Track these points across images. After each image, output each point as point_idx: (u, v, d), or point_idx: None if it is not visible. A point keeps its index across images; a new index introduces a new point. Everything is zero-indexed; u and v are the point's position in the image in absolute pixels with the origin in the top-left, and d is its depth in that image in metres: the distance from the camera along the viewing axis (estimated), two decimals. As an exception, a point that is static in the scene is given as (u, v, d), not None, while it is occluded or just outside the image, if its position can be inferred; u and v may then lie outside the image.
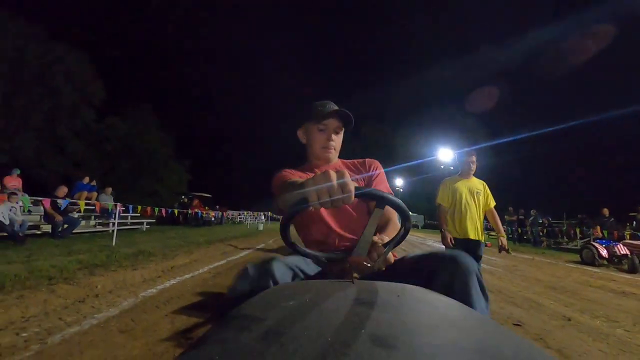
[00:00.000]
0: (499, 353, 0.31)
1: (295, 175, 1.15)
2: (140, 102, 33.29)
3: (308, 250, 0.78)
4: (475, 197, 3.05)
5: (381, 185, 1.20)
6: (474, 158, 3.10)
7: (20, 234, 5.67)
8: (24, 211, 6.47)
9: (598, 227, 11.22)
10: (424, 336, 0.32)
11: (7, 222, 5.59)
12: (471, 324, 0.38)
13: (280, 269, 0.76)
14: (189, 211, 10.86)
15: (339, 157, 1.29)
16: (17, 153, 25.00)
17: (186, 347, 0.36)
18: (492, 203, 3.15)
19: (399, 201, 0.68)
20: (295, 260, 0.88)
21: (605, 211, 11.03)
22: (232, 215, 19.39)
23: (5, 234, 5.61)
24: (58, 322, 2.25)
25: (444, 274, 0.75)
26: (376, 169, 1.25)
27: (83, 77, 28.01)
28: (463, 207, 3.02)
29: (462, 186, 3.09)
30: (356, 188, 0.60)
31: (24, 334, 2.01)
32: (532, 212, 13.13)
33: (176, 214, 9.14)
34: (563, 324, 2.81)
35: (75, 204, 6.78)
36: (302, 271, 0.86)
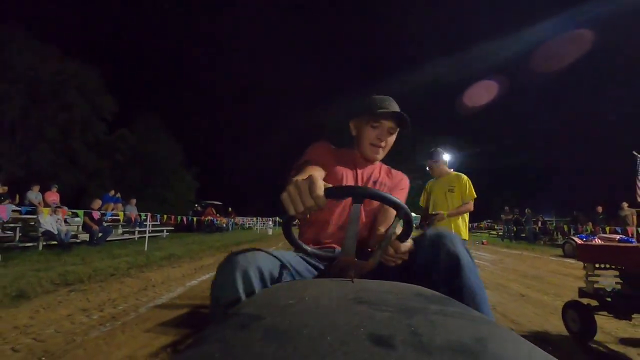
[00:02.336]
0: (499, 353, 0.31)
1: (325, 157, 1.16)
2: (148, 112, 34.40)
3: (307, 247, 0.79)
4: (448, 195, 3.15)
5: (398, 195, 1.17)
6: (435, 158, 3.31)
7: (66, 242, 6.58)
8: (66, 222, 7.39)
9: (590, 224, 11.93)
10: (423, 336, 0.32)
11: (55, 232, 6.50)
12: (471, 324, 0.38)
13: (280, 268, 0.75)
14: (207, 218, 11.80)
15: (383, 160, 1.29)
16: (33, 166, 26.08)
17: (185, 346, 0.39)
18: (471, 195, 3.10)
19: (374, 191, 0.67)
20: (296, 259, 0.88)
21: (599, 209, 11.74)
22: (242, 221, 20.35)
23: (55, 242, 6.53)
24: (137, 301, 3.09)
25: (430, 250, 0.79)
26: (401, 184, 1.27)
27: (94, 91, 29.13)
28: (433, 207, 3.22)
29: (436, 186, 3.30)
30: (327, 189, 0.62)
31: (120, 307, 2.86)
32: (527, 211, 13.85)
33: (195, 222, 10.11)
34: (517, 299, 3.60)
35: (103, 214, 7.69)
36: (302, 271, 0.86)
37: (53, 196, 8.32)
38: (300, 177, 0.65)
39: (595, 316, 2.33)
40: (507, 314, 3.01)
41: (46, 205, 7.48)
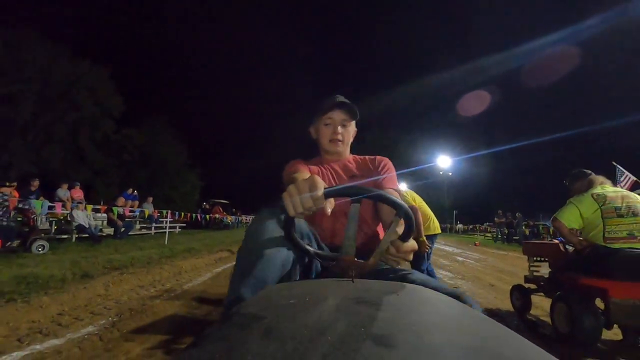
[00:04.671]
0: (498, 352, 0.31)
1: (304, 169, 1.19)
2: (154, 113, 35.14)
3: (309, 248, 0.80)
4: None
5: (390, 184, 1.19)
6: None
7: (97, 235, 7.37)
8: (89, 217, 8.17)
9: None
10: (424, 335, 0.33)
11: (87, 226, 7.29)
12: (471, 323, 0.38)
13: (280, 269, 0.75)
14: (217, 216, 12.66)
15: (352, 152, 1.33)
16: (44, 164, 26.88)
17: (186, 345, 0.39)
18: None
19: (374, 190, 0.67)
20: (296, 260, 0.88)
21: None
22: (247, 219, 21.18)
23: (86, 235, 7.32)
24: (177, 282, 3.87)
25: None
26: (385, 167, 1.25)
27: (103, 91, 29.90)
28: None
29: None
30: (326, 190, 0.62)
31: (167, 285, 3.64)
32: (517, 215, 14.59)
33: (207, 219, 10.96)
34: (486, 287, 4.36)
35: (132, 211, 8.49)
36: (302, 271, 0.87)
37: (78, 193, 9.10)
38: (302, 177, 0.65)
39: (536, 296, 3.09)
40: (473, 296, 3.77)
41: (73, 201, 8.27)
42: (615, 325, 2.35)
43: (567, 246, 2.86)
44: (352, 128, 1.26)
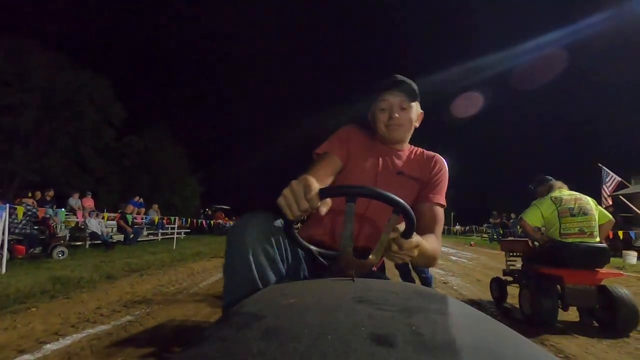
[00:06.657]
0: (499, 351, 0.31)
1: (349, 145, 1.12)
2: (154, 118, 35.36)
3: (310, 246, 0.82)
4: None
5: (436, 197, 1.06)
6: None
7: (109, 242, 7.77)
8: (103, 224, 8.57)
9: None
10: (424, 335, 0.33)
11: (100, 233, 7.70)
12: (471, 322, 0.39)
13: (280, 269, 0.77)
14: (220, 221, 13.12)
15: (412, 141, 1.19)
16: (47, 172, 27.18)
17: (185, 345, 0.40)
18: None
19: (367, 189, 0.69)
20: (296, 260, 0.89)
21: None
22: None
23: (99, 241, 7.72)
24: (192, 282, 4.28)
25: None
26: (440, 173, 1.11)
27: (105, 100, 30.26)
28: None
29: None
30: (321, 191, 0.64)
31: (184, 284, 4.05)
32: (512, 215, 15.02)
33: (212, 225, 11.41)
34: (473, 282, 4.78)
35: (142, 218, 8.90)
36: (302, 270, 0.87)
37: (89, 202, 9.51)
38: (296, 180, 0.66)
39: (511, 287, 3.51)
40: (460, 290, 4.20)
41: (85, 210, 8.68)
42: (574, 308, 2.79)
43: (535, 242, 3.29)
44: (414, 111, 1.10)
